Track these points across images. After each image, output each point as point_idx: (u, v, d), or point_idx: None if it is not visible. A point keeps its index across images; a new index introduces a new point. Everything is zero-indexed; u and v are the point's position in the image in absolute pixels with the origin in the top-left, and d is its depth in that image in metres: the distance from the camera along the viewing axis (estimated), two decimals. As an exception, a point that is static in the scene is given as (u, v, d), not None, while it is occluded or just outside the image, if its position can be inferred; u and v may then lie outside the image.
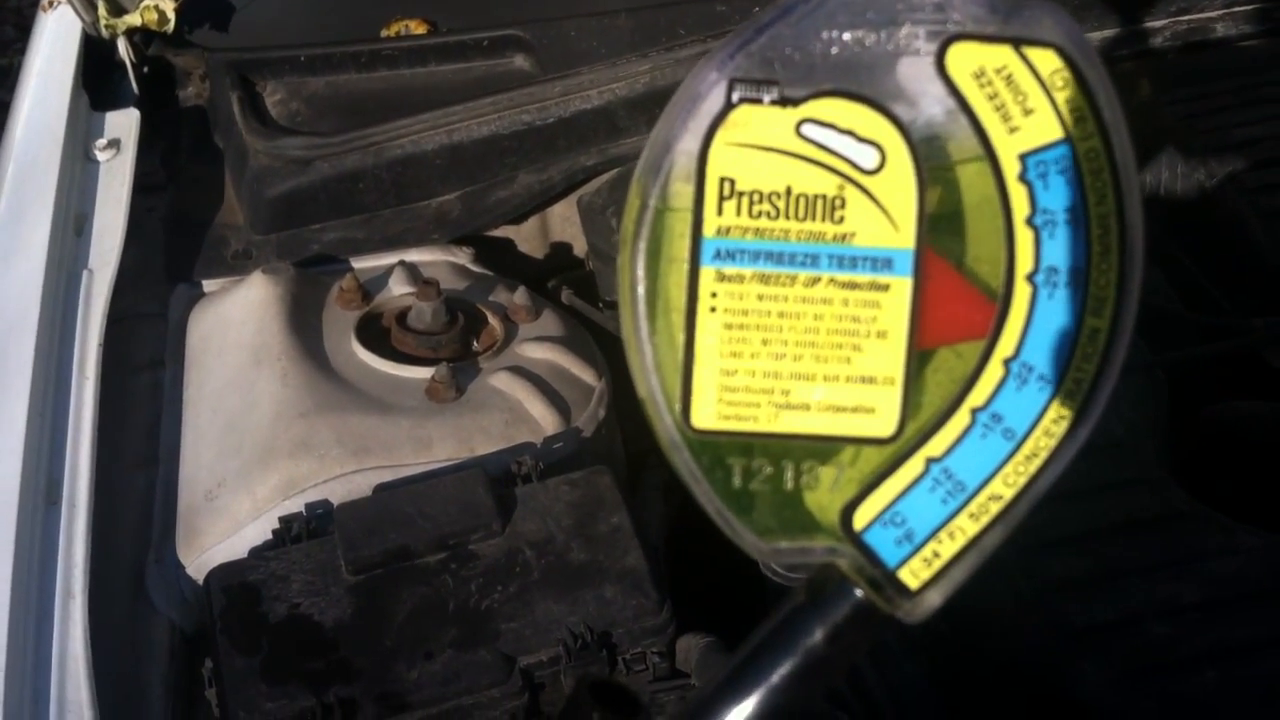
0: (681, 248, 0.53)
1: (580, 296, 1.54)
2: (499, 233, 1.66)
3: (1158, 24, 1.70)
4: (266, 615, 1.04)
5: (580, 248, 1.68)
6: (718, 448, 0.55)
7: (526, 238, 1.69)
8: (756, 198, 0.53)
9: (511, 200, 1.58)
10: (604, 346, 1.41)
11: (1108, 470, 1.13)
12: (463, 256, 1.53)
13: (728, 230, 0.53)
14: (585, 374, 1.32)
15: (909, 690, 1.03)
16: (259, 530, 1.14)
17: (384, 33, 1.82)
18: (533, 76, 1.67)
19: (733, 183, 0.53)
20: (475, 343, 1.34)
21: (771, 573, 1.10)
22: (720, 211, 0.53)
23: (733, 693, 0.60)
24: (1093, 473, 1.12)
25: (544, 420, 1.24)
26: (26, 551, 1.07)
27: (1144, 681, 0.97)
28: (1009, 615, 1.05)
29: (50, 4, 1.74)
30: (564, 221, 1.68)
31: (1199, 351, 1.37)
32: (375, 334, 1.34)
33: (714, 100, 0.52)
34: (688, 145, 0.52)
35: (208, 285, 1.49)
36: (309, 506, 1.14)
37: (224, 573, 1.07)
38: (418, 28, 1.82)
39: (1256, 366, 1.34)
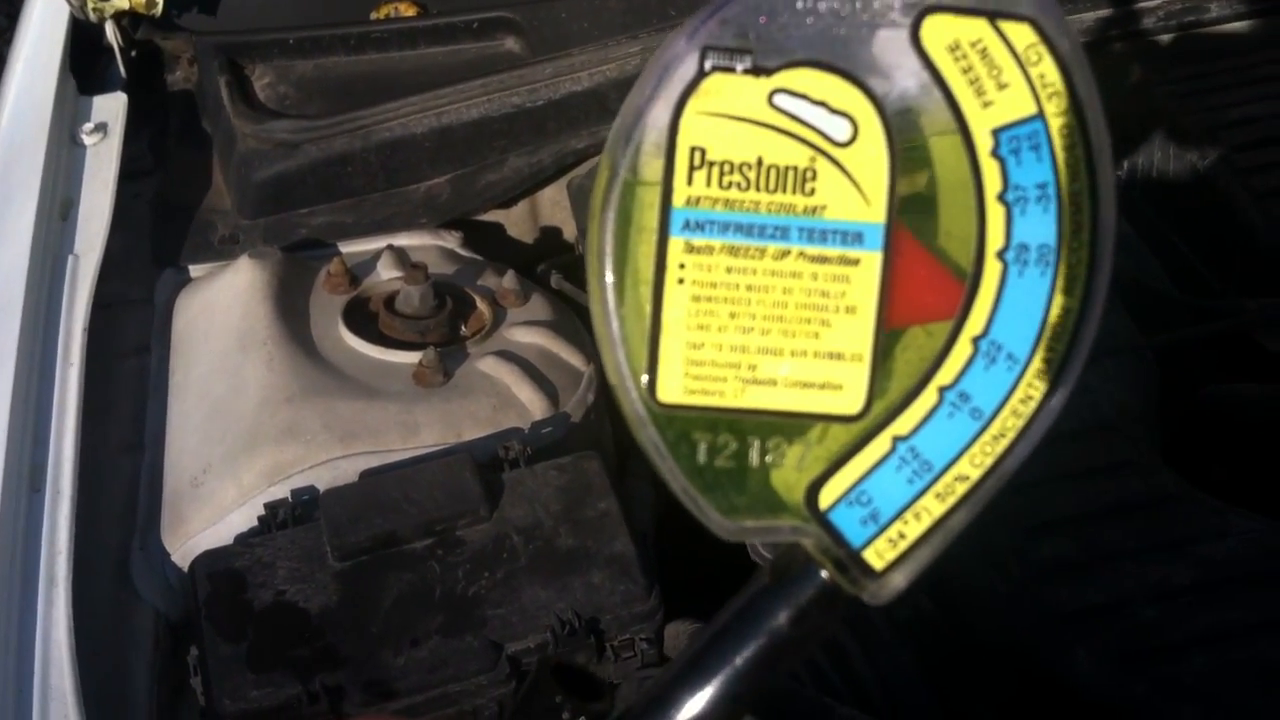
0: (650, 218, 0.52)
1: (570, 281, 1.53)
2: (488, 216, 1.65)
3: (1151, 4, 1.69)
4: (252, 602, 1.03)
5: (570, 232, 1.67)
6: (683, 423, 0.54)
7: (516, 221, 1.68)
8: (727, 168, 0.52)
9: (501, 184, 1.57)
10: (593, 331, 1.39)
11: (1099, 453, 1.12)
12: (451, 240, 1.52)
13: (697, 200, 0.52)
14: (574, 358, 1.31)
15: (899, 676, 1.02)
16: (245, 516, 1.13)
17: (373, 15, 1.81)
18: (523, 59, 1.66)
19: (703, 152, 0.52)
20: (463, 327, 1.33)
21: (759, 557, 1.10)
22: (690, 181, 0.52)
23: (695, 676, 0.59)
24: (1084, 456, 1.11)
25: (532, 405, 1.23)
26: (10, 538, 1.06)
27: (1135, 665, 0.97)
28: (1000, 599, 1.05)
29: (37, -13, 1.73)
30: (554, 205, 1.67)
31: (1191, 333, 1.36)
32: (363, 318, 1.33)
33: (686, 68, 0.51)
34: (659, 114, 0.52)
35: (194, 270, 1.49)
36: (295, 492, 1.14)
37: (209, 559, 1.07)
38: (407, 10, 1.81)
39: (1248, 348, 1.33)
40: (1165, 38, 1.69)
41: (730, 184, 0.52)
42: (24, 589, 1.04)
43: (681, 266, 0.53)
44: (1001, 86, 0.51)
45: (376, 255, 1.42)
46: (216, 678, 0.99)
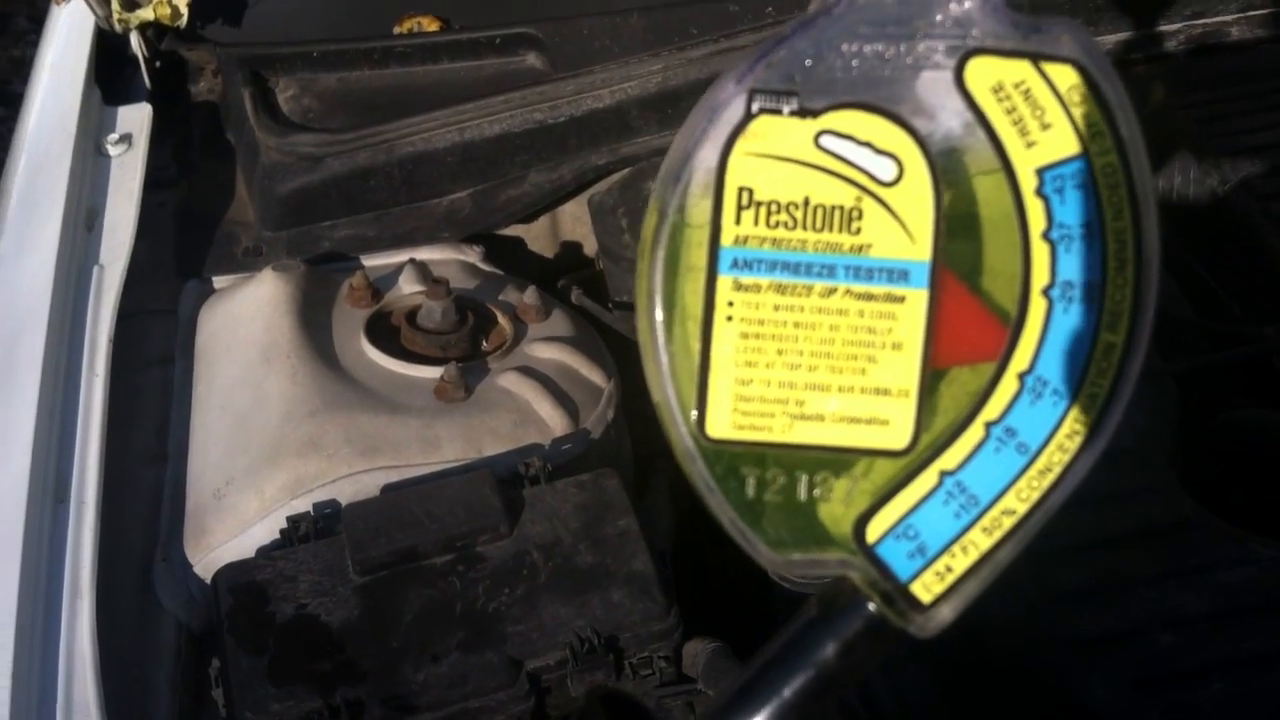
0: (699, 257, 0.54)
1: (590, 296, 1.54)
2: (509, 231, 1.65)
3: (1172, 27, 1.70)
4: (274, 615, 1.04)
5: (590, 247, 1.68)
6: (732, 458, 0.55)
7: (537, 236, 1.69)
8: (774, 208, 0.53)
9: (522, 199, 1.58)
10: (613, 347, 1.40)
11: (1118, 479, 1.12)
12: (473, 255, 1.53)
13: (745, 240, 0.54)
14: (594, 375, 1.32)
15: (916, 699, 1.03)
16: (267, 529, 1.14)
17: (396, 29, 1.82)
18: (545, 75, 1.67)
19: (751, 192, 0.53)
20: (484, 342, 1.34)
21: (779, 578, 1.10)
22: (738, 221, 0.53)
23: (743, 707, 0.60)
24: (1102, 481, 1.10)
25: (552, 421, 1.23)
26: (34, 549, 1.07)
27: (1152, 692, 0.97)
28: (1017, 624, 1.05)
29: (63, -2, 1.74)
30: (574, 221, 1.68)
31: (1211, 359, 1.36)
32: (385, 332, 1.34)
33: (734, 110, 0.53)
34: (707, 155, 0.53)
35: (218, 282, 1.49)
36: (317, 506, 1.14)
37: (231, 572, 1.07)
38: (430, 25, 1.81)
39: (1268, 374, 1.33)
40: (1185, 61, 1.70)
41: (778, 223, 0.53)
42: (48, 600, 1.04)
43: (730, 304, 0.54)
44: (1045, 127, 0.52)
45: (398, 269, 1.43)
46: (238, 690, 0.99)
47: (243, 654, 1.01)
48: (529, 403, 1.24)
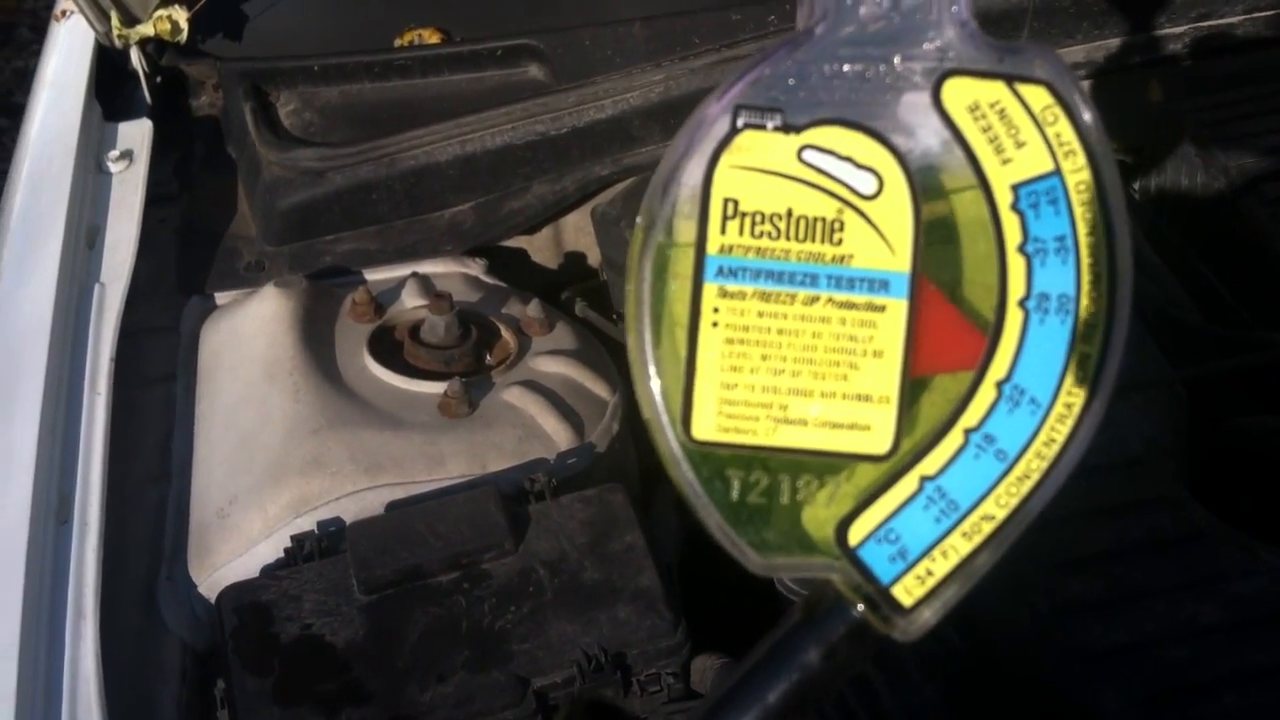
0: (686, 265, 0.55)
1: (594, 308, 1.54)
2: (513, 243, 1.65)
3: (1177, 30, 1.69)
4: (278, 636, 1.03)
5: (594, 258, 1.67)
6: (717, 460, 0.57)
7: (540, 248, 1.68)
8: (759, 218, 0.55)
9: (525, 211, 1.58)
10: (618, 359, 1.40)
11: (1127, 489, 1.12)
12: (476, 268, 1.52)
13: (730, 249, 0.55)
14: (599, 388, 1.31)
15: (926, 713, 1.02)
16: (271, 548, 1.13)
17: (397, 42, 1.81)
18: (547, 86, 1.66)
19: (736, 203, 0.55)
20: (488, 356, 1.33)
21: (786, 590, 1.09)
22: (724, 230, 0.55)
23: (728, 712, 0.60)
24: (1112, 491, 1.11)
25: (557, 435, 1.23)
26: (37, 570, 1.06)
27: (1163, 705, 0.96)
28: (1028, 637, 1.04)
29: (63, 14, 1.74)
30: (578, 232, 1.67)
31: (1220, 367, 1.35)
32: (388, 347, 1.33)
33: (720, 126, 0.55)
34: (694, 168, 0.55)
35: (220, 298, 1.49)
36: (321, 524, 1.14)
37: (236, 592, 1.07)
38: (431, 37, 1.81)
39: (1278, 381, 1.32)
40: (1192, 63, 1.69)
41: (762, 233, 0.56)
42: (52, 621, 1.04)
43: (715, 311, 0.56)
44: (1020, 145, 0.55)
45: (401, 283, 1.42)
46: (243, 712, 0.99)
47: (248, 675, 1.01)
48: (533, 417, 1.23)
